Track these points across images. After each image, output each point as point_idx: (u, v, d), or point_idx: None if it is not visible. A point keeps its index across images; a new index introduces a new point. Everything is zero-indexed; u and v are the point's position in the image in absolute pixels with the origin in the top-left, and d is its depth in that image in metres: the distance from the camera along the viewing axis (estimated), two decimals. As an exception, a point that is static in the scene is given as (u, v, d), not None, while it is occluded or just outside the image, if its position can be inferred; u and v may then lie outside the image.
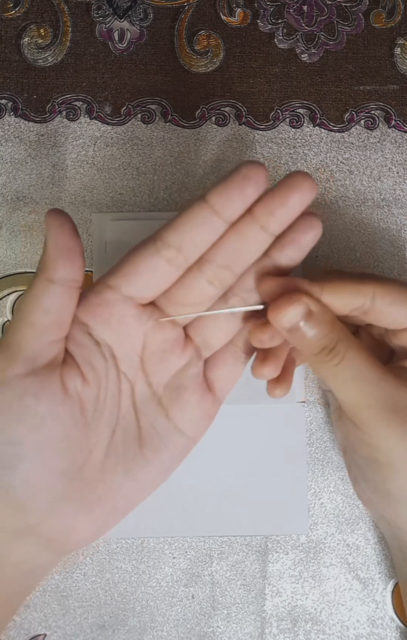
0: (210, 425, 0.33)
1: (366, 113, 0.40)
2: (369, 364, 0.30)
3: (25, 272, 0.40)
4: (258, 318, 0.32)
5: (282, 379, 0.33)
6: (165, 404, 0.32)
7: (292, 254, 0.31)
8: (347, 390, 0.31)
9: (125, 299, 0.30)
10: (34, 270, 0.40)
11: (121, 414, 0.31)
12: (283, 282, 0.30)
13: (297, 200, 0.28)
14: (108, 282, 0.30)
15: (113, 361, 0.31)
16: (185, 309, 0.31)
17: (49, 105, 0.40)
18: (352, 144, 0.40)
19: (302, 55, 0.40)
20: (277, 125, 0.40)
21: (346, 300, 0.30)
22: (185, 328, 0.32)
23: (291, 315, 0.29)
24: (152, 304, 0.31)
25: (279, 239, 0.30)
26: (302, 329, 0.30)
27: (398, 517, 0.33)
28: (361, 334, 0.36)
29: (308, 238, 0.30)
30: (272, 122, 0.40)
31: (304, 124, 0.40)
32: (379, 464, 0.32)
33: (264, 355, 0.32)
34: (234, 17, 0.40)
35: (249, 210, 0.29)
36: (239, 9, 0.40)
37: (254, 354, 0.33)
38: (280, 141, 0.40)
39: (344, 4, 0.40)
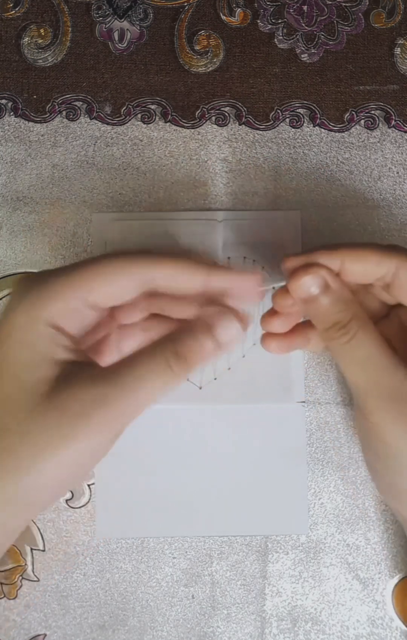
0: None
1: (366, 113, 0.40)
2: (380, 348, 0.30)
3: (26, 272, 0.40)
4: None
5: (285, 337, 0.33)
6: None
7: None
8: (354, 372, 0.30)
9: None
10: (34, 270, 0.40)
11: None
12: (305, 257, 0.31)
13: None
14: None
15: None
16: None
17: (49, 105, 0.40)
18: (352, 144, 0.40)
19: (302, 55, 0.40)
20: (277, 125, 0.40)
21: (368, 268, 0.30)
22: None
23: (306, 285, 0.30)
24: None
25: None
26: (318, 300, 0.30)
27: None
28: (390, 318, 0.34)
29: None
30: (272, 122, 0.40)
31: (304, 124, 0.40)
32: (386, 456, 0.31)
33: (277, 311, 0.33)
34: (234, 17, 0.40)
35: None
36: (239, 9, 0.40)
37: None
38: (280, 141, 0.40)
39: (344, 4, 0.40)
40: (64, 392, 0.28)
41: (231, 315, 0.30)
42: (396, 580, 0.40)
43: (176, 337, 0.30)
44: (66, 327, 0.29)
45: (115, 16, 0.40)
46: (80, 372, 0.29)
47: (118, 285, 0.30)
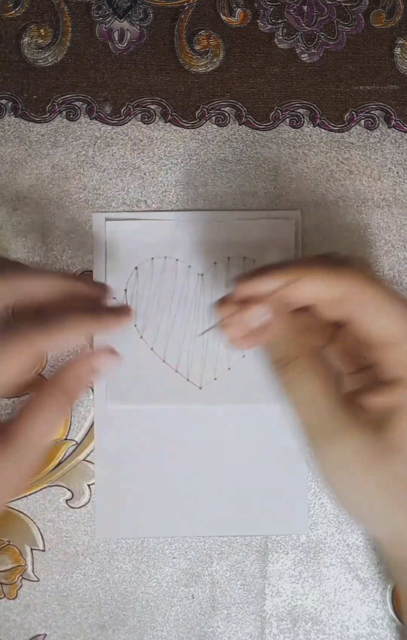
0: None
1: (366, 113, 0.40)
2: (322, 389, 0.30)
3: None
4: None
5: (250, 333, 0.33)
6: None
7: None
8: (292, 406, 0.31)
9: None
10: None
11: None
12: (256, 283, 0.31)
13: None
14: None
15: None
16: None
17: (49, 105, 0.40)
18: (352, 144, 0.40)
19: (302, 55, 0.40)
20: (277, 125, 0.40)
21: (321, 291, 0.30)
22: None
23: (252, 319, 0.31)
24: None
25: None
26: (264, 334, 0.31)
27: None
28: (344, 332, 0.34)
29: None
30: (272, 122, 0.40)
31: (304, 124, 0.40)
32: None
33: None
34: (234, 17, 0.40)
35: None
36: (239, 9, 0.40)
37: None
38: (280, 141, 0.40)
39: (344, 4, 0.40)
40: None
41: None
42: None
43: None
44: None
45: (115, 16, 0.40)
46: None
47: None
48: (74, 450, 0.40)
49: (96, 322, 0.34)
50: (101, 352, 0.35)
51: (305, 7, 0.40)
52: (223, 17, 0.40)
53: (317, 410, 0.30)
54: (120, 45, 0.40)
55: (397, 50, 0.40)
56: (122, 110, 0.40)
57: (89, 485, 0.40)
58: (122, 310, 0.36)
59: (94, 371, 0.34)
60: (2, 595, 0.40)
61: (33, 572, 0.40)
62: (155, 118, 0.40)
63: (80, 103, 0.40)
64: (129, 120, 0.40)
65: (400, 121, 0.40)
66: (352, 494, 0.30)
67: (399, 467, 0.29)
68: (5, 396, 0.35)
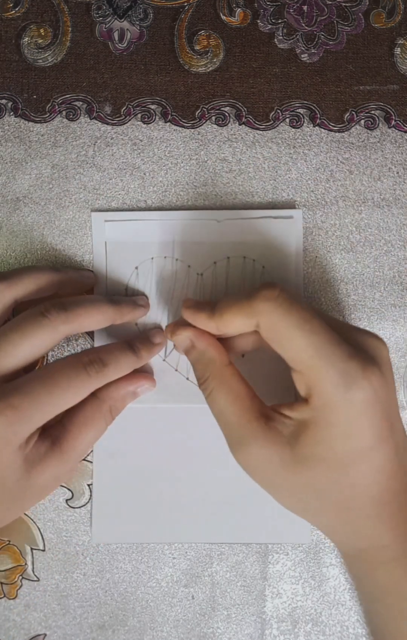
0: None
1: (366, 113, 0.40)
2: (231, 406, 0.34)
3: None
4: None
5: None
6: None
7: None
8: (215, 419, 0.35)
9: None
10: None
11: None
12: (185, 317, 0.36)
13: None
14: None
15: None
16: None
17: (49, 105, 0.40)
18: (352, 144, 0.40)
19: (302, 55, 0.40)
20: (277, 125, 0.40)
21: (237, 327, 0.34)
22: None
23: (176, 344, 0.36)
24: None
25: None
26: (187, 356, 0.36)
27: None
28: None
29: None
30: (272, 122, 0.40)
31: (304, 124, 0.40)
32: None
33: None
34: (234, 17, 0.40)
35: None
36: (239, 9, 0.40)
37: None
38: (280, 141, 0.40)
39: (344, 4, 0.40)
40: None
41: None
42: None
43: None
44: None
45: (115, 16, 0.40)
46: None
47: None
48: (73, 450, 0.40)
49: (116, 312, 0.37)
50: (144, 376, 0.38)
51: (305, 7, 0.40)
52: (223, 17, 0.40)
53: (226, 423, 0.34)
54: (120, 45, 0.40)
55: (397, 50, 0.40)
56: (122, 110, 0.40)
57: (88, 485, 0.40)
58: (140, 301, 0.39)
59: (136, 395, 0.38)
60: (2, 595, 0.40)
61: (33, 572, 0.40)
62: (155, 118, 0.40)
63: (80, 103, 0.40)
64: (129, 120, 0.40)
65: (400, 121, 0.40)
66: (274, 495, 0.34)
67: (306, 476, 0.32)
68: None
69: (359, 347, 0.32)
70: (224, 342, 0.36)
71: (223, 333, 0.35)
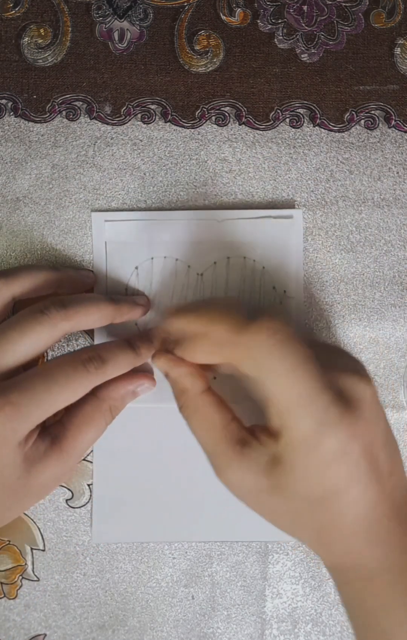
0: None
1: (366, 113, 0.40)
2: (208, 432, 0.34)
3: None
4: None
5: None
6: None
7: None
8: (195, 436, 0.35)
9: None
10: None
11: None
12: (163, 343, 0.37)
13: None
14: None
15: None
16: None
17: (49, 105, 0.40)
18: (352, 144, 0.40)
19: (302, 55, 0.40)
20: (277, 125, 0.40)
21: (207, 359, 0.34)
22: None
23: (157, 367, 0.37)
24: None
25: None
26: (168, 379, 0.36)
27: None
28: None
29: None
30: (272, 122, 0.40)
31: (304, 124, 0.40)
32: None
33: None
34: (234, 17, 0.40)
35: None
36: (239, 9, 0.40)
37: None
38: (280, 141, 0.40)
39: (344, 4, 0.40)
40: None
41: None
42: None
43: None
44: None
45: (115, 16, 0.40)
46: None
47: None
48: (73, 450, 0.40)
49: (115, 310, 0.37)
50: (144, 376, 0.38)
51: (305, 7, 0.40)
52: (223, 17, 0.40)
53: (205, 449, 0.34)
54: (120, 45, 0.40)
55: (397, 50, 0.40)
56: (122, 110, 0.40)
57: (88, 485, 0.40)
58: (140, 300, 0.39)
59: (136, 394, 0.38)
60: (2, 595, 0.40)
61: (33, 571, 0.40)
62: (155, 118, 0.40)
63: (80, 103, 0.40)
64: (129, 120, 0.40)
65: (400, 121, 0.40)
66: (259, 513, 0.34)
67: (282, 503, 0.32)
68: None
69: (342, 391, 0.31)
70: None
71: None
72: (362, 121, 0.40)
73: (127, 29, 0.40)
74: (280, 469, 0.31)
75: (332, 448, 0.30)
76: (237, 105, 0.40)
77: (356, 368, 0.33)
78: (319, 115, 0.40)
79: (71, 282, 0.39)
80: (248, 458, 0.32)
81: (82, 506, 0.40)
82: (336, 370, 0.32)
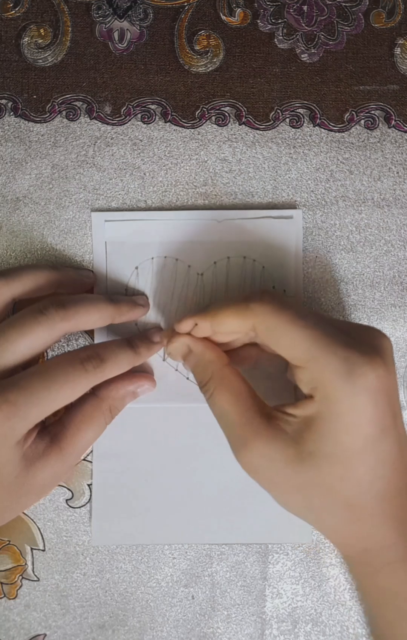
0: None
1: (366, 113, 0.40)
2: (233, 406, 0.34)
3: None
4: None
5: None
6: None
7: None
8: (218, 421, 0.35)
9: None
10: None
11: None
12: (176, 327, 0.36)
13: None
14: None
15: None
16: None
17: (49, 105, 0.40)
18: (352, 144, 0.40)
19: (302, 55, 0.40)
20: (277, 125, 0.40)
21: (233, 328, 0.34)
22: None
23: (172, 352, 0.37)
24: None
25: None
26: (185, 363, 0.37)
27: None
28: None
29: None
30: (272, 122, 0.40)
31: (304, 124, 0.40)
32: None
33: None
34: (234, 17, 0.40)
35: None
36: (239, 9, 0.40)
37: None
38: (280, 141, 0.40)
39: (344, 4, 0.40)
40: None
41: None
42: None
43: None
44: None
45: (115, 16, 0.40)
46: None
47: None
48: (73, 450, 0.40)
49: (115, 310, 0.37)
50: (144, 376, 0.39)
51: (305, 7, 0.40)
52: (223, 17, 0.40)
53: (229, 424, 0.34)
54: (120, 45, 0.40)
55: (397, 50, 0.40)
56: (122, 110, 0.40)
57: (88, 485, 0.40)
58: (140, 300, 0.39)
59: (136, 395, 0.38)
60: (2, 595, 0.40)
61: (33, 571, 0.40)
62: (155, 118, 0.40)
63: (80, 103, 0.40)
64: (129, 120, 0.40)
65: (400, 121, 0.40)
66: (276, 496, 0.34)
67: (311, 473, 0.32)
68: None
69: (360, 339, 0.32)
70: None
71: (218, 333, 0.35)
72: (362, 121, 0.40)
73: (127, 29, 0.40)
74: (309, 432, 0.31)
75: (361, 387, 0.30)
76: (237, 105, 0.40)
77: (368, 325, 0.35)
78: (319, 115, 0.40)
79: (71, 282, 0.39)
80: (276, 428, 0.32)
81: (82, 506, 0.40)
82: (350, 323, 0.34)
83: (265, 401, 0.34)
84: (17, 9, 0.40)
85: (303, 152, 0.40)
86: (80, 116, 0.40)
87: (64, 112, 0.40)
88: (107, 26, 0.40)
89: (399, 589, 0.33)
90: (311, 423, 0.32)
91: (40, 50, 0.40)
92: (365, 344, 0.32)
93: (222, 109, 0.40)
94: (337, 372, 0.31)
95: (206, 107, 0.40)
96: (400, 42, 0.40)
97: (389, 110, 0.40)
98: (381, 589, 0.34)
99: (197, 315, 0.35)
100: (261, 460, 0.33)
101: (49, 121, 0.40)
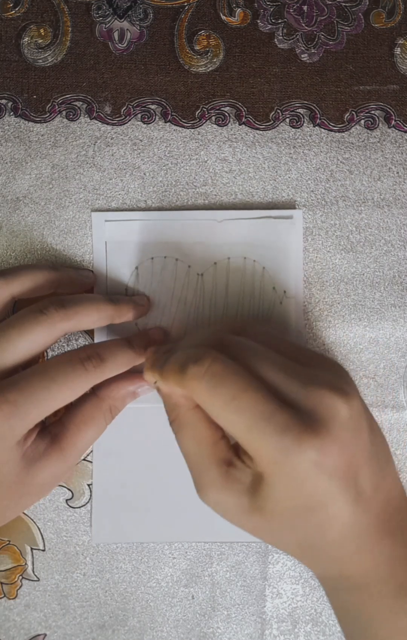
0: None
1: (366, 113, 0.40)
2: (195, 447, 0.33)
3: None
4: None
5: None
6: None
7: None
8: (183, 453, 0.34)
9: None
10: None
11: None
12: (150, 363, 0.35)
13: None
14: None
15: None
16: None
17: (49, 105, 0.40)
18: (352, 144, 0.40)
19: (302, 55, 0.40)
20: (277, 125, 0.40)
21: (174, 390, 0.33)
22: None
23: (150, 381, 0.35)
24: None
25: None
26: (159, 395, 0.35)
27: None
28: None
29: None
30: (272, 122, 0.40)
31: (304, 124, 0.40)
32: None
33: None
34: (234, 17, 0.40)
35: None
36: (239, 9, 0.40)
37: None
38: (280, 141, 0.40)
39: (344, 4, 0.40)
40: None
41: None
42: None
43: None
44: None
45: (115, 16, 0.40)
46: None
47: None
48: (73, 450, 0.40)
49: (115, 310, 0.37)
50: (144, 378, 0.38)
51: (305, 7, 0.40)
52: (223, 17, 0.40)
53: (190, 465, 0.33)
54: (120, 45, 0.40)
55: (397, 50, 0.40)
56: (122, 110, 0.40)
57: (88, 485, 0.40)
58: (140, 300, 0.39)
59: (136, 395, 0.38)
60: (2, 595, 0.40)
61: (33, 571, 0.40)
62: (155, 118, 0.40)
63: (80, 103, 0.40)
64: (129, 120, 0.40)
65: (400, 121, 0.40)
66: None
67: (261, 524, 0.32)
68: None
69: (304, 410, 0.30)
70: None
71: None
72: (362, 121, 0.40)
73: (127, 29, 0.40)
74: (260, 489, 0.31)
75: (298, 469, 0.29)
76: (237, 105, 0.40)
77: (333, 383, 0.31)
78: (319, 115, 0.40)
79: (71, 282, 0.39)
80: (232, 479, 0.32)
81: (82, 506, 0.40)
82: (311, 386, 0.31)
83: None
84: (17, 9, 0.40)
85: (303, 152, 0.40)
86: (80, 116, 0.40)
87: (64, 112, 0.40)
88: (107, 26, 0.40)
89: (362, 612, 0.33)
90: (260, 479, 0.31)
91: (40, 50, 0.40)
92: (306, 418, 0.30)
93: (222, 109, 0.40)
94: (271, 458, 0.30)
95: (206, 107, 0.40)
96: (400, 42, 0.40)
97: (389, 110, 0.40)
98: (343, 609, 0.34)
99: (155, 371, 0.34)
100: (216, 506, 0.32)
101: (49, 121, 0.40)
